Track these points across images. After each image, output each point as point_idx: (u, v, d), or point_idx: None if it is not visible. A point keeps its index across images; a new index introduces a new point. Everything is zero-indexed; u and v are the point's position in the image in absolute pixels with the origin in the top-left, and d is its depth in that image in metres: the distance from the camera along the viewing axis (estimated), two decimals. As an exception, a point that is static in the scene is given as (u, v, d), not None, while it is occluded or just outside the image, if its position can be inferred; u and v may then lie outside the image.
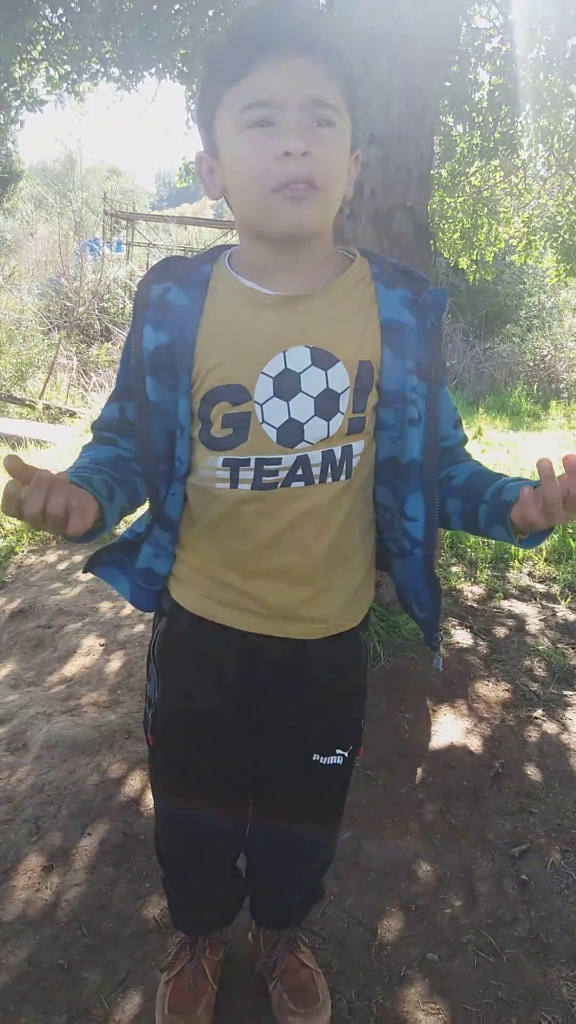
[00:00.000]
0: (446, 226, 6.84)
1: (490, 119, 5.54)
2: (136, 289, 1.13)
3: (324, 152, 0.99)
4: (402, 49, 2.62)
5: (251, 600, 1.18)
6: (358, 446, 1.11)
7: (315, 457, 1.08)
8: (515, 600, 3.62)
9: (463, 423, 1.27)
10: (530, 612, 3.48)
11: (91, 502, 0.97)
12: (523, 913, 1.81)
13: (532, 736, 2.52)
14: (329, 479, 1.11)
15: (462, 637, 3.17)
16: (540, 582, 3.87)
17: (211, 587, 1.20)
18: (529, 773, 2.34)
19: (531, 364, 11.13)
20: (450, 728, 2.53)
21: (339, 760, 1.33)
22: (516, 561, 4.07)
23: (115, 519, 1.07)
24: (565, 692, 2.79)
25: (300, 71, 0.98)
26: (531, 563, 4.07)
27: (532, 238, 6.87)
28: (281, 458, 1.08)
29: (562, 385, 10.82)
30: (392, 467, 1.15)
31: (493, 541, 4.22)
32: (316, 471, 1.09)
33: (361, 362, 1.08)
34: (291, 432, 1.07)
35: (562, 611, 3.50)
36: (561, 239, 6.50)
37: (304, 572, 1.16)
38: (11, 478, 0.90)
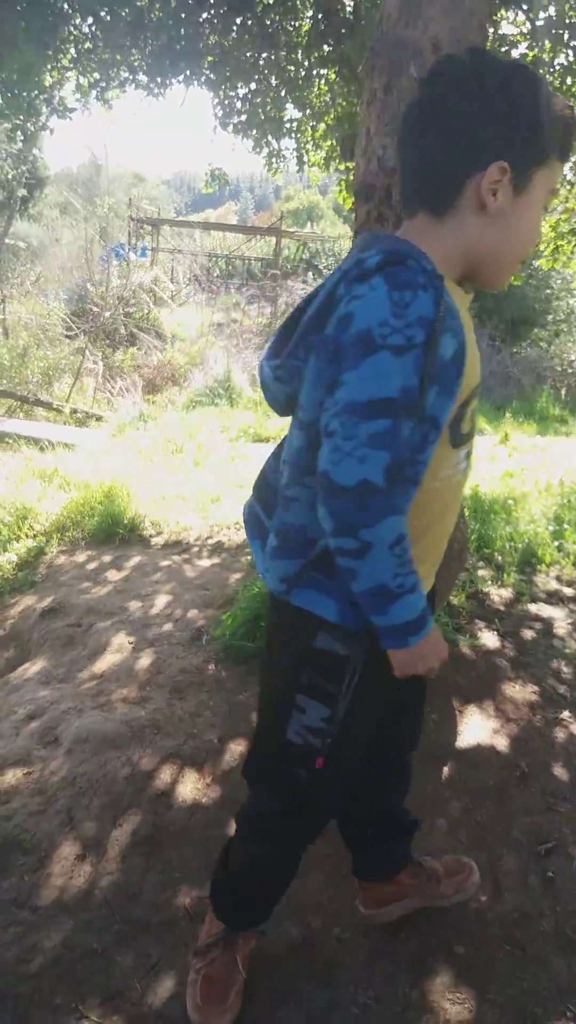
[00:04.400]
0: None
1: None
2: (434, 299, 1.06)
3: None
4: (431, 57, 2.65)
5: (426, 566, 1.31)
6: None
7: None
8: (543, 604, 3.62)
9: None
10: (558, 615, 3.47)
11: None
12: (548, 908, 1.82)
13: (559, 737, 2.53)
14: None
15: (489, 639, 3.18)
16: (568, 586, 3.86)
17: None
18: (556, 773, 2.35)
19: (558, 369, 11.08)
20: (476, 728, 2.54)
21: None
22: (544, 565, 4.06)
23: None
24: (592, 694, 2.80)
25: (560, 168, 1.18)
26: (559, 567, 4.06)
27: (560, 243, 6.84)
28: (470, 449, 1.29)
29: (590, 391, 10.78)
30: None
31: (519, 545, 4.23)
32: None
33: None
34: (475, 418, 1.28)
35: (589, 614, 3.50)
36: (589, 243, 6.47)
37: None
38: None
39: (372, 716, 1.36)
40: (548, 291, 12.09)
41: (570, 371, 10.98)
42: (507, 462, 7.05)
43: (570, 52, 5.10)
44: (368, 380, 1.05)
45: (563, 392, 10.59)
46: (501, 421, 9.18)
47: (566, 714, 2.66)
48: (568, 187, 6.81)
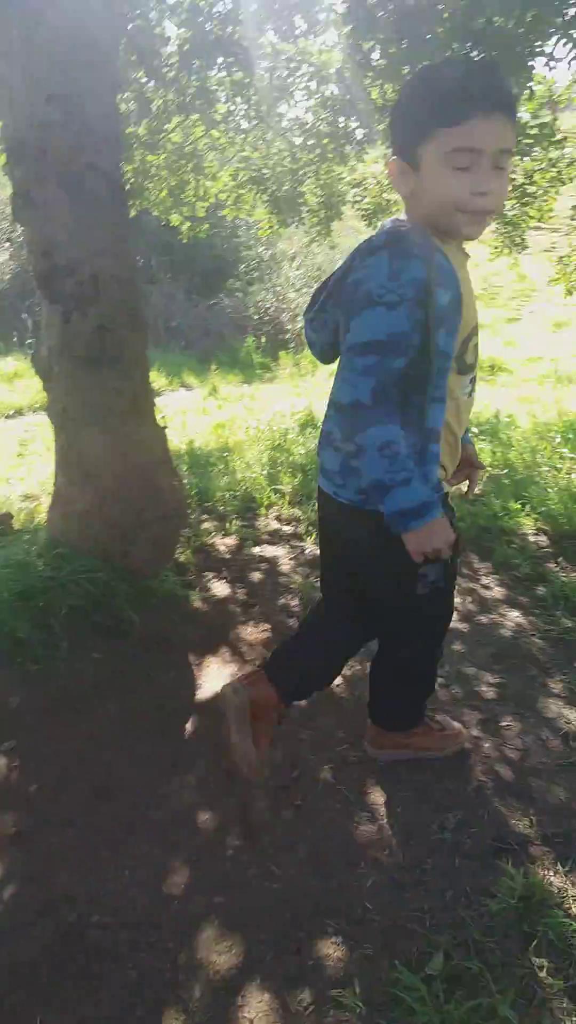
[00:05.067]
0: (152, 185, 6.72)
1: (183, 74, 5.47)
2: (424, 264, 1.41)
3: (500, 189, 1.44)
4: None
5: (441, 471, 1.66)
6: None
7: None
8: (266, 545, 3.73)
9: None
10: (280, 553, 3.60)
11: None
12: (301, 835, 1.89)
13: (293, 669, 2.63)
14: None
15: (219, 589, 3.22)
16: (287, 524, 4.01)
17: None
18: (296, 702, 2.44)
19: (256, 317, 11.42)
20: (215, 678, 2.56)
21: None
22: (263, 508, 4.18)
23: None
24: (318, 623, 2.93)
25: (497, 126, 1.38)
26: (277, 508, 4.20)
27: (241, 191, 6.94)
28: (474, 376, 1.65)
29: (288, 336, 11.21)
30: None
31: (238, 493, 4.32)
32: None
33: None
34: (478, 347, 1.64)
35: (309, 547, 3.66)
36: (269, 191, 6.64)
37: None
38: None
39: (452, 570, 1.80)
40: (236, 240, 12.34)
41: (267, 318, 11.36)
42: (217, 414, 7.18)
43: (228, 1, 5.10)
44: (364, 327, 1.42)
45: (264, 339, 10.94)
46: (207, 374, 9.29)
47: (298, 646, 2.77)
48: (243, 136, 6.91)
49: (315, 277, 13.05)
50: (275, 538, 3.81)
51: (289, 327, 11.25)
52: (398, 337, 1.41)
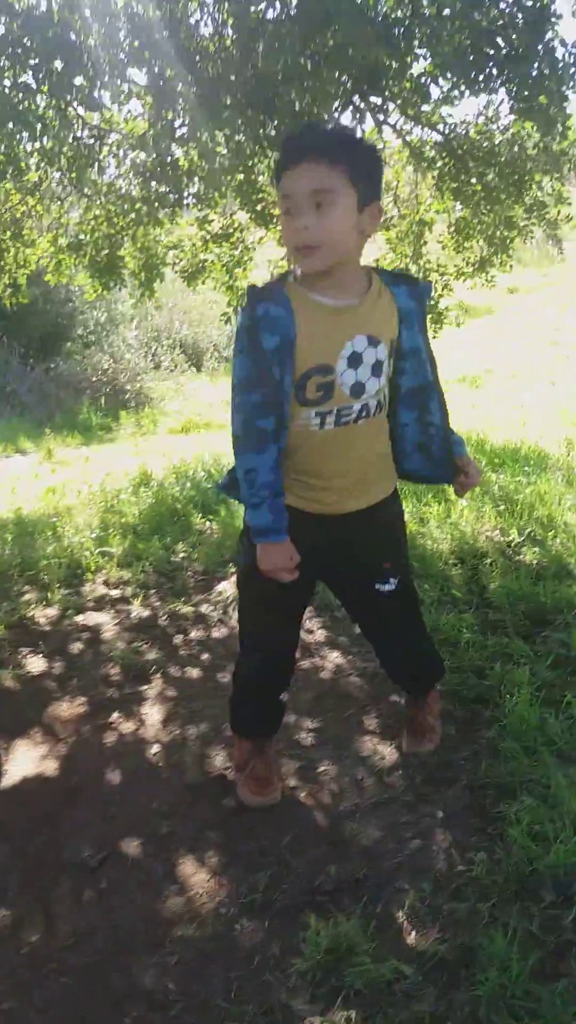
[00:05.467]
0: (-32, 255, 6.60)
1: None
2: (247, 315, 1.68)
3: (320, 224, 1.60)
4: None
5: (328, 494, 1.85)
6: (385, 391, 1.83)
7: (372, 401, 1.79)
8: (90, 612, 3.61)
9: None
10: (104, 619, 3.49)
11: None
12: (103, 918, 1.80)
13: (109, 741, 2.53)
14: (377, 414, 1.83)
15: (34, 664, 3.08)
16: (115, 588, 3.91)
17: (300, 489, 1.84)
18: (108, 778, 2.34)
19: (94, 379, 11.30)
20: (22, 761, 2.43)
21: (393, 586, 2.02)
22: (90, 573, 4.06)
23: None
24: (140, 687, 2.85)
25: (305, 171, 1.59)
26: (105, 572, 4.09)
27: (61, 257, 6.90)
28: (352, 405, 1.77)
29: (127, 396, 11.16)
30: (418, 390, 1.87)
31: (64, 560, 4.18)
32: (372, 409, 1.80)
33: (391, 339, 1.78)
34: (358, 389, 1.75)
35: (136, 610, 3.57)
36: (88, 255, 6.63)
37: (364, 469, 1.89)
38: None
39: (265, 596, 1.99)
40: (71, 305, 12.24)
41: (105, 379, 11.28)
42: (51, 478, 6.99)
43: (29, 72, 5.12)
44: (232, 371, 1.73)
45: (102, 400, 10.83)
46: (42, 438, 9.07)
47: (116, 715, 2.68)
48: (59, 203, 6.90)
49: (154, 338, 13.14)
50: (101, 603, 3.70)
51: (128, 387, 11.21)
52: (246, 378, 1.68)
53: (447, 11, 2.83)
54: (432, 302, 5.29)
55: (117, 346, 11.85)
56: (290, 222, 1.64)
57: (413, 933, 1.72)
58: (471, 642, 2.74)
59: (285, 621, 2.08)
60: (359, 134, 2.00)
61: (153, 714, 2.67)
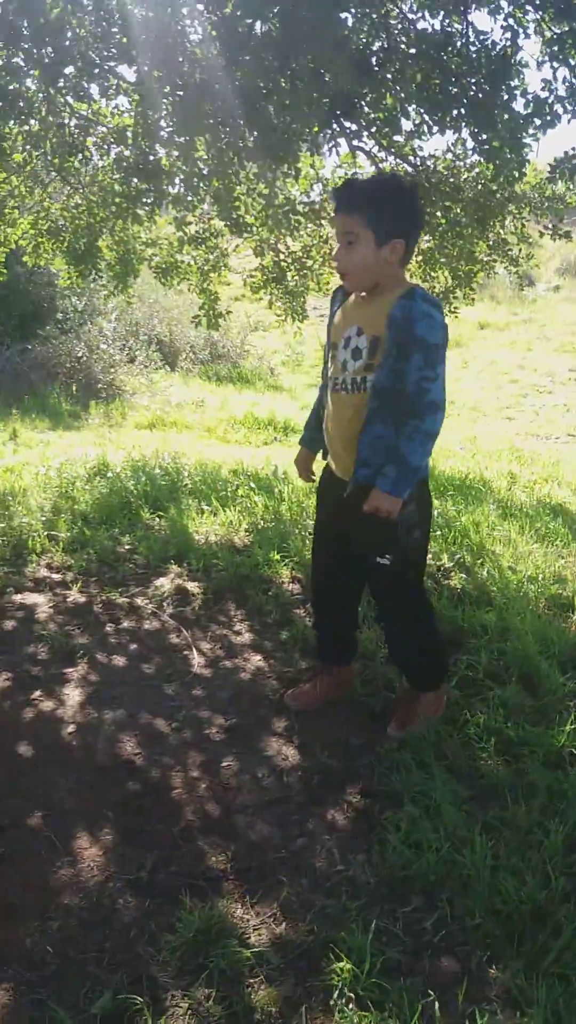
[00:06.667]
0: (-49, 227, 6.61)
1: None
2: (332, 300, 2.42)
3: (347, 257, 2.17)
4: None
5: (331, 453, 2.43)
6: (370, 377, 2.18)
7: (349, 378, 2.25)
8: (28, 592, 3.67)
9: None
10: (41, 601, 3.56)
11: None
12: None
13: (27, 717, 2.60)
14: (352, 391, 2.25)
15: (-35, 638, 3.14)
16: (57, 572, 3.97)
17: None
18: (21, 752, 2.42)
19: (68, 365, 11.28)
20: None
21: (385, 562, 2.27)
22: (35, 555, 4.12)
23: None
24: (65, 670, 2.92)
25: (338, 218, 2.20)
26: (50, 555, 4.15)
27: (41, 240, 6.94)
28: (338, 377, 2.30)
29: (100, 386, 11.15)
30: (382, 392, 2.16)
31: (11, 540, 4.23)
32: (349, 384, 2.25)
33: (375, 335, 2.16)
34: (344, 365, 2.27)
35: (74, 596, 3.64)
36: (67, 242, 6.68)
37: (342, 440, 2.33)
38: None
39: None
40: (52, 288, 12.21)
41: (79, 367, 11.27)
42: (11, 458, 7.01)
43: (21, 56, 5.16)
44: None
45: (74, 388, 10.82)
46: (8, 419, 9.06)
47: (37, 693, 2.75)
48: (42, 187, 6.93)
49: (132, 332, 13.15)
50: (40, 585, 3.76)
51: (101, 377, 11.20)
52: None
53: (414, 49, 2.95)
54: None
55: (94, 336, 11.83)
56: (335, 252, 2.23)
57: (284, 924, 1.82)
58: (386, 657, 2.85)
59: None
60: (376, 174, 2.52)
61: (74, 696, 2.75)
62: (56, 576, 3.91)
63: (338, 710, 2.67)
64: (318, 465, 2.61)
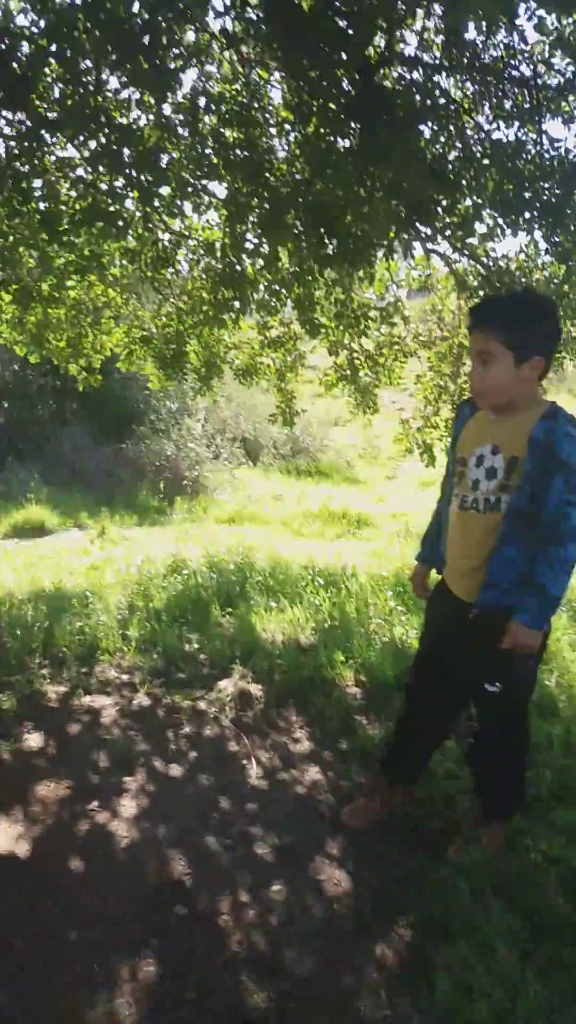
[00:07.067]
0: (53, 336, 7.03)
1: (76, 238, 5.82)
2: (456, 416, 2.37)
3: (482, 377, 2.09)
4: None
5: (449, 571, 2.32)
6: (505, 497, 2.09)
7: (482, 497, 2.14)
8: (97, 694, 3.63)
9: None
10: (107, 703, 3.51)
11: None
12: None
13: (82, 829, 2.51)
14: (485, 511, 2.14)
15: (33, 740, 3.10)
16: (125, 672, 3.93)
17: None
18: (72, 867, 2.32)
19: (157, 464, 11.63)
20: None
21: (495, 690, 2.16)
22: (107, 655, 4.10)
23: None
24: (123, 778, 2.84)
25: (475, 338, 2.10)
26: (122, 655, 4.12)
27: (133, 347, 7.27)
28: (468, 496, 2.18)
29: (185, 482, 11.44)
30: (519, 513, 2.06)
31: (87, 634, 4.24)
32: (481, 504, 2.14)
33: (514, 455, 2.07)
34: (475, 484, 2.17)
35: (139, 698, 3.58)
36: (157, 348, 6.97)
37: (468, 560, 2.20)
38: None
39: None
40: (147, 392, 12.73)
41: (167, 465, 11.60)
42: (97, 555, 7.15)
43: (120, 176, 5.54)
44: None
45: (162, 484, 11.10)
46: (99, 516, 9.31)
47: (95, 804, 2.66)
48: (136, 297, 7.30)
49: (219, 430, 13.52)
50: (108, 687, 3.72)
51: (187, 474, 11.51)
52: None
53: (487, 160, 3.00)
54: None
55: (183, 435, 12.22)
56: (471, 371, 2.15)
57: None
58: (448, 772, 2.66)
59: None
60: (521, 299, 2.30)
61: (130, 808, 2.65)
62: (124, 677, 3.88)
63: (394, 830, 2.48)
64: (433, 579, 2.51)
